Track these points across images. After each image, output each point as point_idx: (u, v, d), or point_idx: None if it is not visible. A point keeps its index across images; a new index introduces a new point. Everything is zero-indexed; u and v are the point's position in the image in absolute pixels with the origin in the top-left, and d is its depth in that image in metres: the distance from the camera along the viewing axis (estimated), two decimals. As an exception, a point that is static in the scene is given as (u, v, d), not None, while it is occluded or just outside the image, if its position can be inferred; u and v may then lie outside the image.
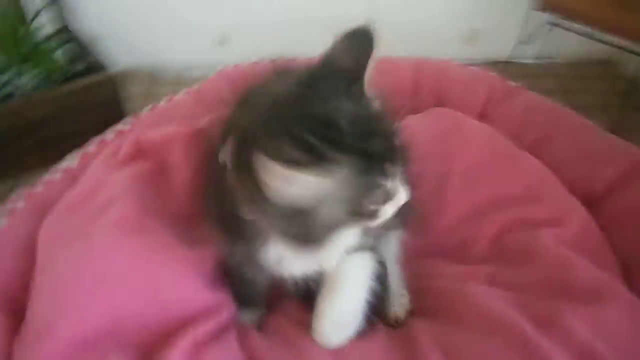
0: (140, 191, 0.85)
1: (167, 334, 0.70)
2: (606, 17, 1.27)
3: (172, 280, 0.74)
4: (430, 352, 0.68)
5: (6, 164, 1.06)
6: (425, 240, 0.88)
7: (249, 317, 0.81)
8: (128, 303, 0.70)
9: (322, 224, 0.55)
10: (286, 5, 1.70)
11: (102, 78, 1.27)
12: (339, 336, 0.71)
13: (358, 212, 0.55)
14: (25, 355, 0.66)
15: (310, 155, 0.48)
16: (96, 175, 0.88)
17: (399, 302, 0.79)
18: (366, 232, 0.67)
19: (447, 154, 0.95)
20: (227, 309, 0.77)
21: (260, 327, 0.81)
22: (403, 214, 0.72)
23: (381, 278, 0.75)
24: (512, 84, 1.14)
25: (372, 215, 0.57)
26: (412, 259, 0.86)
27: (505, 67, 1.78)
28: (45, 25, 1.36)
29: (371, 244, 0.72)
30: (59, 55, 1.31)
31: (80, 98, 1.21)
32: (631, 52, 1.41)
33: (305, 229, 0.55)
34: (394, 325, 0.78)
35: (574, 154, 0.96)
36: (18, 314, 0.74)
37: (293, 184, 0.48)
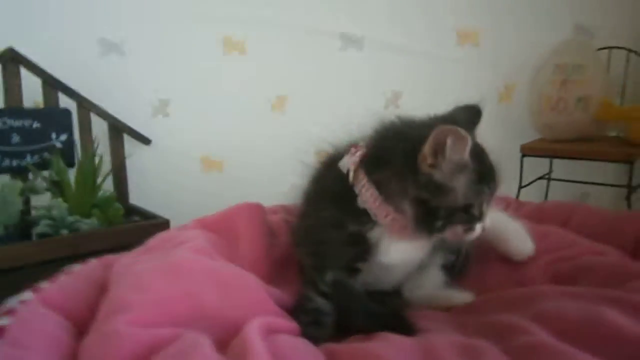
0: (212, 239, 0.93)
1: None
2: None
3: (244, 286, 0.76)
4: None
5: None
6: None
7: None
8: (204, 295, 0.71)
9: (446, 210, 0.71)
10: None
11: (159, 222, 1.42)
12: None
13: (468, 211, 0.72)
14: (103, 326, 0.65)
15: None
16: (168, 234, 0.96)
17: None
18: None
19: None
20: (294, 324, 0.76)
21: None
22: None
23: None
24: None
25: (473, 220, 0.73)
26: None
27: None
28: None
29: None
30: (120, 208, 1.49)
31: (138, 236, 1.33)
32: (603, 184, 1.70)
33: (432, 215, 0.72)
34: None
35: (593, 227, 1.06)
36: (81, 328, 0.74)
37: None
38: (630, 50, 1.81)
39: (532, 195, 1.81)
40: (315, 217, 0.83)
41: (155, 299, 0.69)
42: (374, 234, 0.76)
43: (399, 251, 0.78)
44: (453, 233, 0.73)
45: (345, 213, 0.77)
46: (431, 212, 0.72)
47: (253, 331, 0.63)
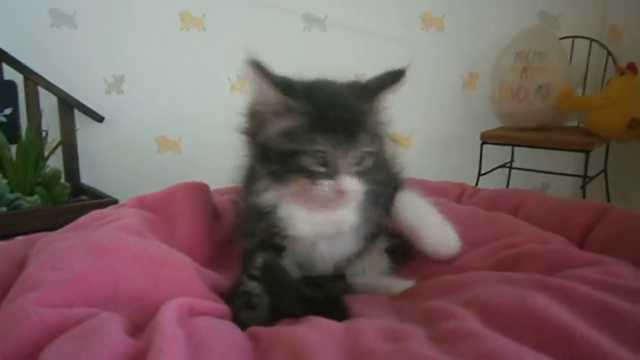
0: (149, 218, 0.89)
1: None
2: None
3: (170, 267, 0.73)
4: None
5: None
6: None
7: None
8: (124, 274, 0.68)
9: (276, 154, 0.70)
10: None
11: (105, 201, 1.37)
12: None
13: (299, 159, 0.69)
14: (11, 304, 0.61)
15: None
16: (101, 212, 0.92)
17: None
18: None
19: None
20: (224, 307, 0.73)
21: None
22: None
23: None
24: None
25: (314, 174, 0.70)
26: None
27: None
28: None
29: None
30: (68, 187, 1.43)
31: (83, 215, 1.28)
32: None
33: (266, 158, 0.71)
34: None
35: (542, 216, 1.06)
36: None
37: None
38: (593, 40, 1.81)
39: (493, 183, 1.81)
40: (238, 199, 0.84)
41: (68, 278, 0.65)
42: (265, 198, 0.75)
43: (306, 222, 0.76)
44: (301, 186, 0.71)
45: (248, 186, 0.78)
46: (265, 154, 0.72)
47: (168, 312, 0.59)
